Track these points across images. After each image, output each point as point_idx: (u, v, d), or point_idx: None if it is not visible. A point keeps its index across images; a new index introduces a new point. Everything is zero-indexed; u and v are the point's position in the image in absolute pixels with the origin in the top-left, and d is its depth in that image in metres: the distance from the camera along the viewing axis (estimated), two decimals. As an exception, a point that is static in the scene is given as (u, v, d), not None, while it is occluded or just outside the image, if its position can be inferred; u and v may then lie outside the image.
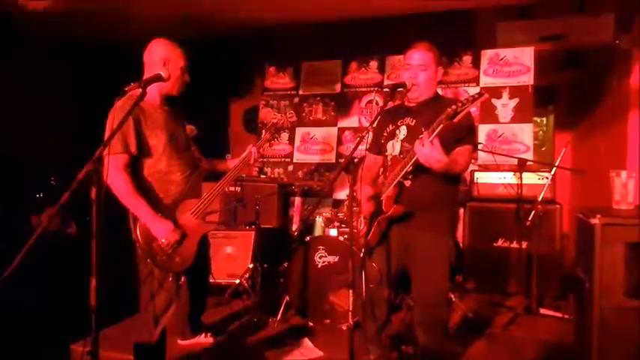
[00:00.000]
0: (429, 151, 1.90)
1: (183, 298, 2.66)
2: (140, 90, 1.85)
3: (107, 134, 2.05)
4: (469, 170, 3.85)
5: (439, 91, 2.38)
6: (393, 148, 2.27)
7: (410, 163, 2.03)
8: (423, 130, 2.01)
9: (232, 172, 2.53)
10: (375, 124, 2.36)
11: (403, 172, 2.08)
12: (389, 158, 2.29)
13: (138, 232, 2.17)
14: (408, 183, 2.14)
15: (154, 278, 2.24)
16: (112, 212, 1.94)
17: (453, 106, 1.89)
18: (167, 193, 2.29)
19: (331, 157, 4.70)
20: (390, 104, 2.33)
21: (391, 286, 2.33)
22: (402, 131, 2.25)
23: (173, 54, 2.30)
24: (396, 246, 2.25)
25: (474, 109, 4.12)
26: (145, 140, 2.20)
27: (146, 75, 2.26)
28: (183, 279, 2.60)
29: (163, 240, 2.18)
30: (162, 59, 2.27)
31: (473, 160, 4.02)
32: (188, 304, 2.72)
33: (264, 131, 2.85)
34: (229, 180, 2.52)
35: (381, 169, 2.40)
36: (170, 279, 2.27)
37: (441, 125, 1.90)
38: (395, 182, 2.12)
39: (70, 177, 1.62)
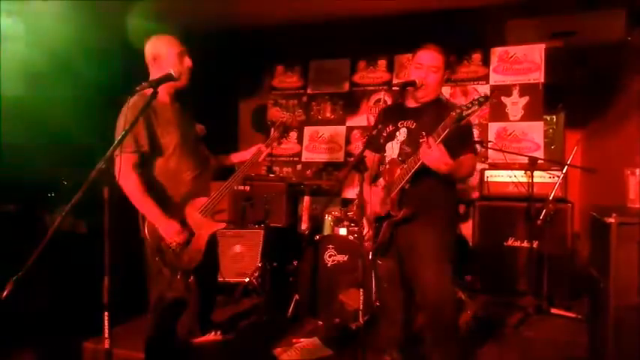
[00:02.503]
0: (438, 156, 1.93)
1: (192, 296, 2.67)
2: (151, 89, 1.86)
3: (118, 133, 2.05)
4: (479, 168, 3.82)
5: (441, 95, 2.36)
6: (392, 149, 2.26)
7: (414, 169, 2.05)
8: (423, 134, 2.01)
9: (241, 171, 2.53)
10: (379, 125, 2.36)
11: (408, 177, 2.09)
12: (387, 160, 2.28)
13: (146, 230, 2.19)
14: (407, 186, 2.15)
15: (163, 277, 2.25)
16: (124, 210, 1.95)
17: (457, 110, 1.88)
18: (176, 192, 2.29)
19: (340, 156, 4.69)
20: (390, 104, 2.33)
21: (405, 287, 2.31)
22: (402, 133, 2.24)
23: (162, 46, 2.25)
24: (403, 247, 2.25)
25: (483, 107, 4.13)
26: (156, 139, 2.21)
27: (152, 75, 2.27)
28: (192, 277, 2.61)
29: (173, 243, 2.20)
30: (152, 56, 2.25)
31: (483, 159, 4.00)
32: (198, 303, 2.73)
33: (272, 130, 2.84)
34: (238, 179, 2.52)
35: (381, 167, 2.38)
36: (179, 277, 2.28)
37: (448, 129, 1.90)
38: (400, 186, 2.13)
39: (82, 176, 1.63)
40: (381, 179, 2.29)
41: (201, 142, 2.53)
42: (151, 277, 2.29)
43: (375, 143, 2.38)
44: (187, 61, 2.29)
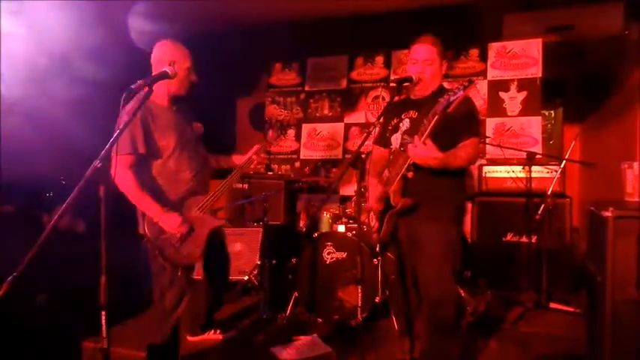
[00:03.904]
0: (423, 152, 1.94)
1: (200, 294, 2.71)
2: (147, 89, 1.86)
3: (122, 133, 2.09)
4: (477, 164, 3.82)
5: (445, 85, 2.36)
6: (397, 141, 2.27)
7: (406, 165, 2.05)
8: (425, 121, 2.01)
9: (239, 170, 2.56)
10: (381, 119, 2.36)
11: (404, 168, 2.08)
12: (392, 151, 2.29)
13: (145, 227, 2.22)
14: (410, 175, 2.14)
15: (165, 274, 2.28)
16: (121, 209, 1.95)
17: (445, 97, 1.89)
18: (176, 191, 2.32)
19: (338, 153, 4.69)
20: (396, 99, 2.33)
21: (411, 278, 2.31)
22: (405, 124, 2.26)
23: (178, 54, 2.33)
24: (405, 239, 2.25)
25: (480, 102, 4.12)
26: (153, 141, 2.24)
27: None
28: (202, 276, 2.66)
29: (176, 234, 2.23)
30: (167, 60, 2.29)
31: (481, 154, 3.98)
32: (204, 301, 2.76)
33: (270, 131, 2.87)
34: (236, 177, 2.54)
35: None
36: (179, 274, 2.30)
37: (437, 117, 1.90)
38: (399, 176, 2.12)
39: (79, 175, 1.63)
40: (386, 171, 2.30)
41: (200, 141, 2.56)
42: (154, 276, 2.32)
43: (382, 138, 2.40)
44: (193, 76, 2.39)
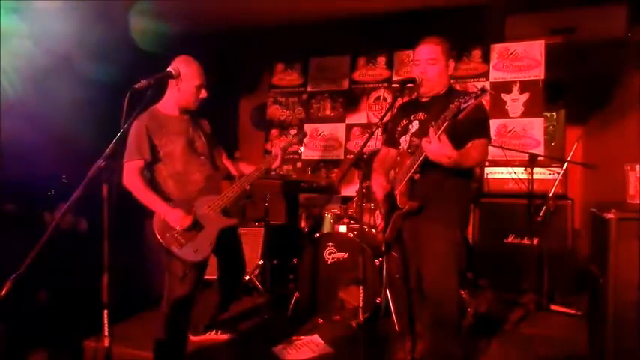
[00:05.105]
0: (438, 148, 1.91)
1: (209, 294, 2.76)
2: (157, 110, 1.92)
3: (130, 142, 2.30)
4: (479, 166, 3.82)
5: (453, 85, 2.35)
6: (406, 142, 2.27)
7: (419, 161, 2.03)
8: (433, 124, 2.00)
9: (255, 173, 2.63)
10: (388, 119, 2.37)
11: (413, 169, 2.07)
12: (400, 152, 2.29)
13: (155, 226, 2.30)
14: (417, 177, 2.13)
15: (174, 273, 2.33)
16: (124, 208, 1.95)
17: (456, 103, 1.87)
18: (185, 191, 2.41)
19: (340, 154, 4.69)
20: (399, 100, 2.33)
21: (414, 278, 2.31)
22: (415, 126, 2.25)
23: (189, 71, 2.40)
24: (410, 239, 2.25)
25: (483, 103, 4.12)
26: (159, 148, 2.37)
27: (169, 86, 2.43)
28: (215, 277, 2.72)
29: (178, 228, 2.29)
30: (179, 76, 2.38)
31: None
32: (213, 302, 2.78)
33: (291, 137, 2.98)
34: (252, 179, 2.62)
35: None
36: (187, 272, 2.33)
37: (447, 123, 1.89)
38: (406, 179, 2.12)
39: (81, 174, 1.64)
40: (393, 172, 2.30)
41: (215, 145, 2.65)
42: (166, 273, 2.38)
43: (391, 138, 2.40)
44: (203, 93, 2.47)
